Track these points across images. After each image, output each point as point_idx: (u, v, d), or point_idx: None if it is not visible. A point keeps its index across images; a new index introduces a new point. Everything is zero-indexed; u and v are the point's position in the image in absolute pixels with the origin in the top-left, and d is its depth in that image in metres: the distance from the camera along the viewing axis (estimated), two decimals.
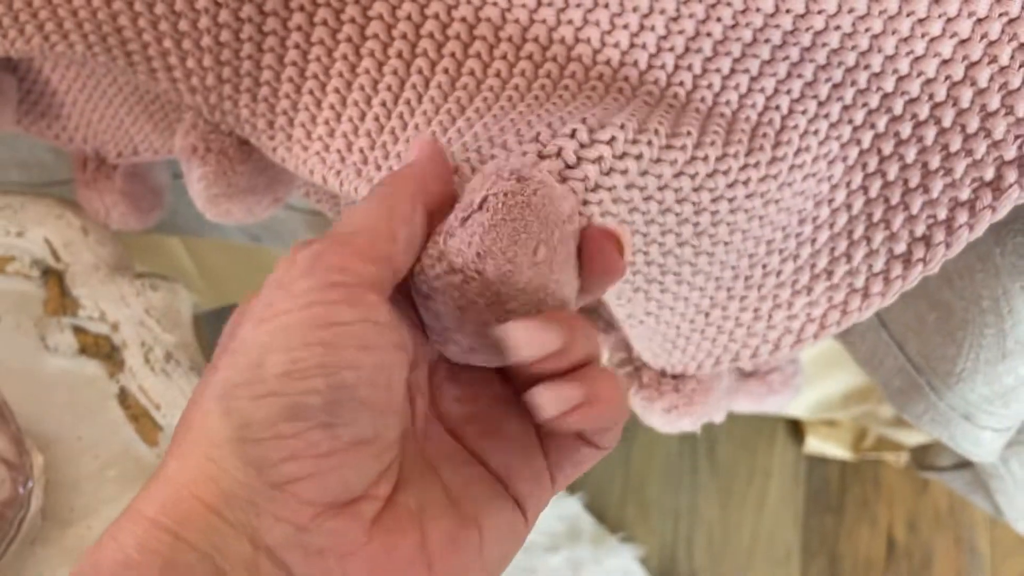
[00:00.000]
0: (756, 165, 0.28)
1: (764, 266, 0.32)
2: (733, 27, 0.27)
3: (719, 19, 0.27)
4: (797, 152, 0.28)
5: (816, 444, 0.81)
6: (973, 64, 0.25)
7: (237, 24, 0.31)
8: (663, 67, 0.28)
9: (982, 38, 0.25)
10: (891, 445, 0.78)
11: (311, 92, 0.31)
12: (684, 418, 0.38)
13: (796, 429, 0.82)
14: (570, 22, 0.28)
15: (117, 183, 0.42)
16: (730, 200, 0.28)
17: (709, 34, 0.27)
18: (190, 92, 0.33)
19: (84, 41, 0.32)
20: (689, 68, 0.28)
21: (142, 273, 0.42)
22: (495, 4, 0.29)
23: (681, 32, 0.27)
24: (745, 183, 0.28)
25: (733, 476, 0.81)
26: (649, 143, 0.25)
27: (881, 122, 0.28)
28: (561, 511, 0.80)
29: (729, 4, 0.27)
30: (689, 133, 0.26)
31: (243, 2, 0.30)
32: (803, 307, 0.32)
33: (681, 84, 0.28)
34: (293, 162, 0.32)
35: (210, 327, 0.46)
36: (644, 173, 0.26)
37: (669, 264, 0.31)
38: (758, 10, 0.26)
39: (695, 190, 0.27)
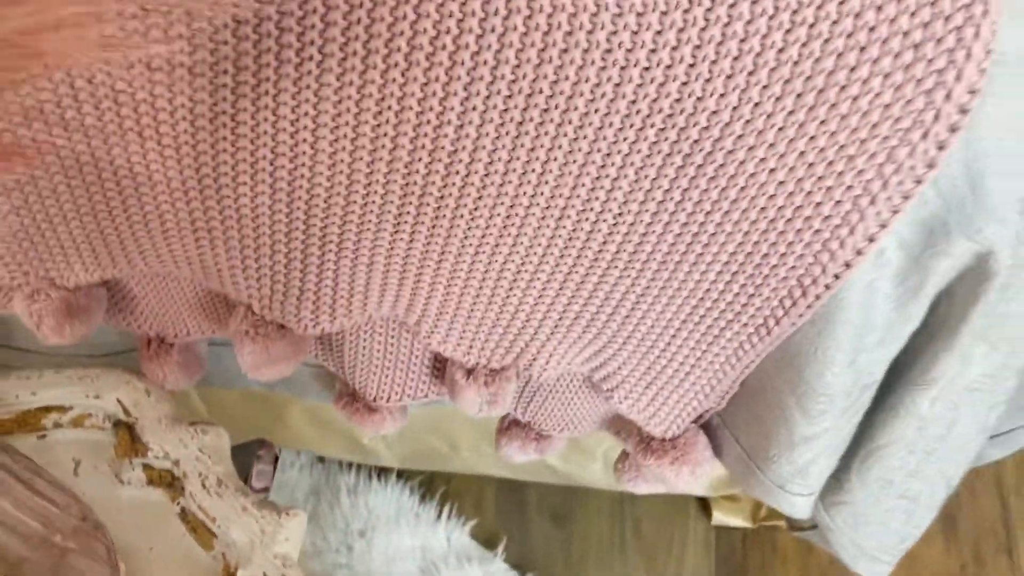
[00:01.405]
0: None
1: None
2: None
3: None
4: None
5: (720, 517, 0.98)
6: None
7: (288, 250, 0.47)
8: None
9: None
10: (782, 514, 0.95)
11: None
12: (684, 467, 0.55)
13: (704, 505, 0.99)
14: None
15: (174, 356, 0.57)
16: None
17: None
18: (248, 295, 0.49)
19: (175, 264, 0.48)
20: None
21: (194, 421, 0.57)
22: None
23: None
24: None
25: (655, 547, 0.97)
26: None
27: None
28: None
29: None
30: None
31: (293, 238, 0.46)
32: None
33: None
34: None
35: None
36: None
37: None
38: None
39: None
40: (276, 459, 0.60)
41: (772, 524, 0.97)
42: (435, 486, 0.99)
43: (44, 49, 0.25)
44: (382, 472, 0.98)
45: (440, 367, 0.56)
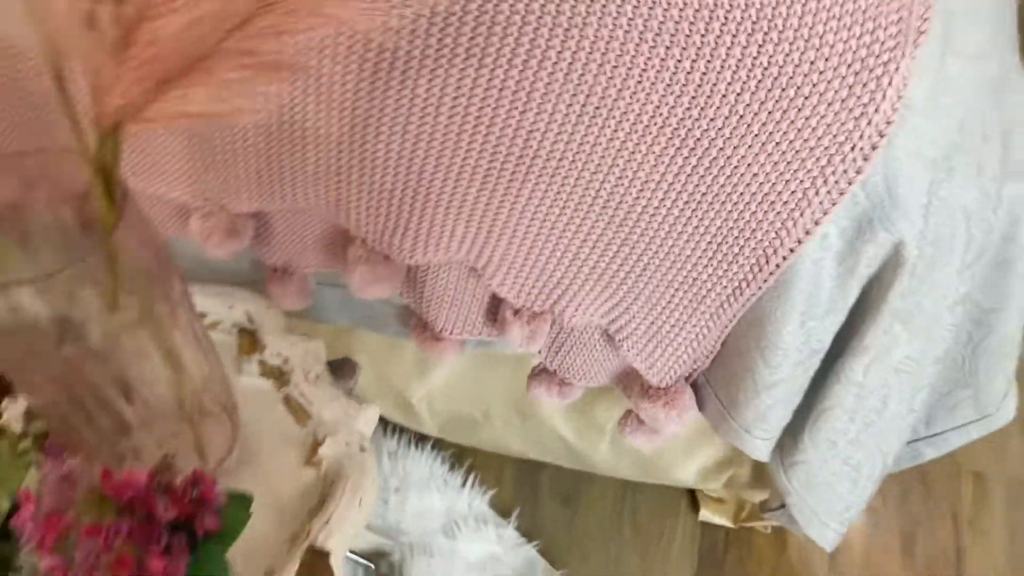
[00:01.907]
0: None
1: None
2: None
3: None
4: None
5: (707, 514, 1.12)
6: None
7: (402, 196, 0.65)
8: None
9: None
10: (760, 517, 1.09)
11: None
12: (672, 410, 0.71)
13: (694, 503, 1.13)
14: None
15: (293, 283, 0.75)
16: None
17: None
18: (365, 230, 0.66)
19: (317, 201, 0.66)
20: None
21: (301, 333, 0.75)
22: None
23: None
24: None
25: (648, 534, 1.11)
26: None
27: None
28: (521, 555, 1.09)
29: None
30: None
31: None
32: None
33: None
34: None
35: None
36: None
37: None
38: None
39: None
40: (356, 372, 0.76)
41: (751, 526, 1.11)
42: (463, 458, 1.15)
43: (327, 12, 0.43)
44: (420, 440, 1.14)
45: (493, 312, 0.73)
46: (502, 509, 1.13)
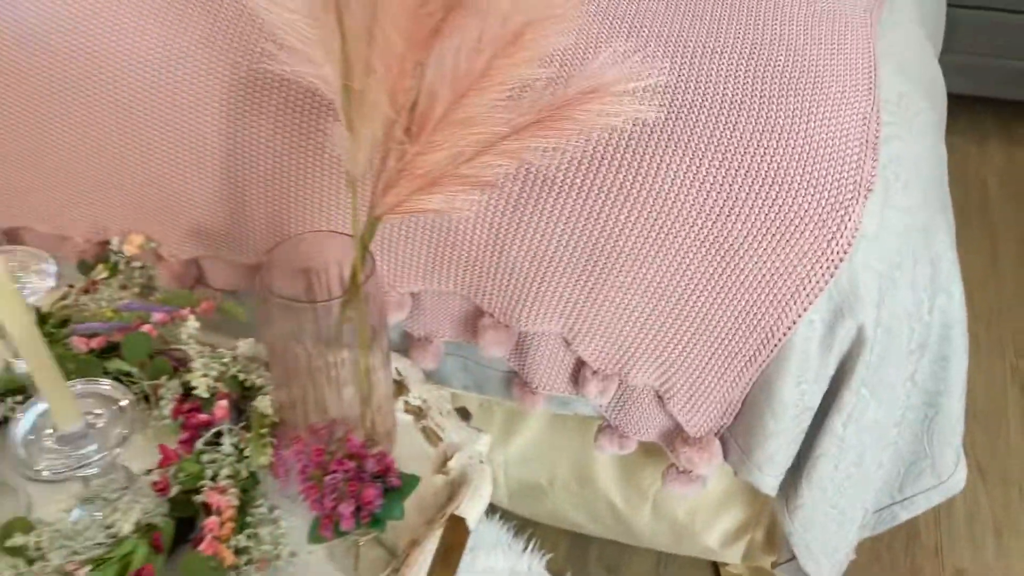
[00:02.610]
0: None
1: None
2: None
3: None
4: None
5: None
6: None
7: (527, 283, 0.95)
8: None
9: None
10: None
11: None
12: (704, 453, 0.97)
13: (717, 572, 1.35)
14: None
15: (431, 350, 1.04)
16: None
17: None
18: (496, 308, 0.96)
19: (462, 284, 0.96)
20: None
21: (435, 383, 1.03)
22: None
23: None
24: None
25: None
26: None
27: None
28: None
29: None
30: None
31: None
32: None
33: None
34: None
35: None
36: None
37: None
38: None
39: None
40: (470, 416, 1.03)
41: None
42: (525, 528, 1.39)
43: (520, 155, 0.75)
44: (491, 510, 1.38)
45: (575, 373, 1.02)
46: (556, 572, 1.35)
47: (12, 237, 1.17)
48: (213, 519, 0.78)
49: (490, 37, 0.67)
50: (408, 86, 0.70)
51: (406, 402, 1.03)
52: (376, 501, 0.78)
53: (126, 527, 0.77)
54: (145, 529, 0.77)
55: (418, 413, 1.02)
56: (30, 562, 0.75)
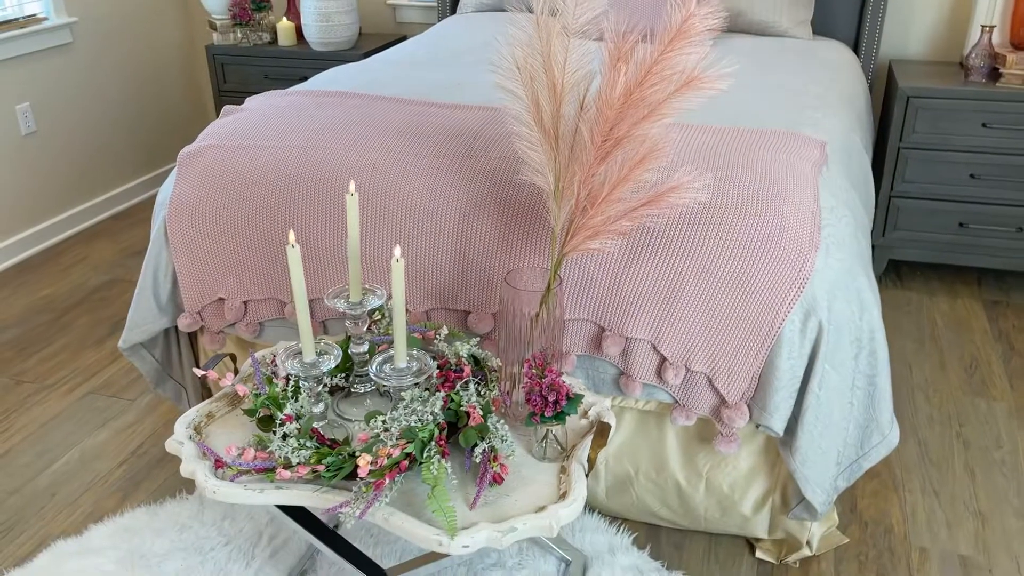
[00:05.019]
0: None
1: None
2: None
3: None
4: None
5: (760, 554, 1.93)
6: None
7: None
8: None
9: None
10: (794, 550, 1.90)
11: None
12: (737, 411, 1.65)
13: (751, 548, 1.94)
14: None
15: (569, 359, 1.74)
16: None
17: None
18: (612, 323, 1.68)
19: (591, 311, 1.69)
20: None
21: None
22: None
23: None
24: None
25: (725, 568, 1.91)
26: None
27: None
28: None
29: None
30: None
31: None
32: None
33: None
34: None
35: None
36: None
37: None
38: None
39: None
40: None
41: (787, 562, 1.91)
42: (614, 522, 1.99)
43: (640, 215, 1.49)
44: (589, 508, 1.99)
45: (659, 368, 1.71)
46: (639, 547, 1.95)
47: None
48: (475, 413, 1.46)
49: (629, 159, 1.45)
50: (588, 184, 1.47)
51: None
52: (562, 401, 1.47)
53: (430, 414, 1.46)
54: (435, 421, 1.46)
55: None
56: (385, 429, 1.44)
